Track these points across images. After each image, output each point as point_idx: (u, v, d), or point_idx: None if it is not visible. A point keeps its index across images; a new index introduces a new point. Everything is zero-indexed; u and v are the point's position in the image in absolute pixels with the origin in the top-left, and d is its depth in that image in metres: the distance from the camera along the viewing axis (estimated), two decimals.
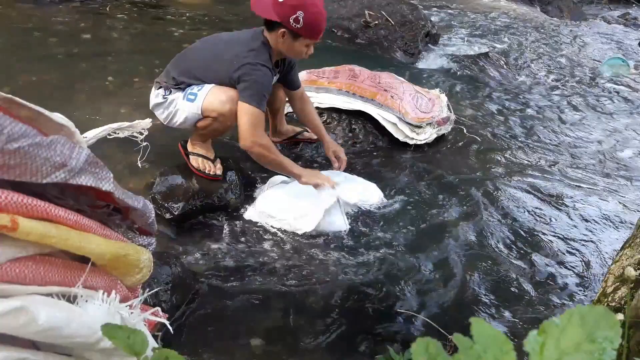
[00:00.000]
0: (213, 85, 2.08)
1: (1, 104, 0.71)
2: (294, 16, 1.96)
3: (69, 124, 0.82)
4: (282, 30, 2.01)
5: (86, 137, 2.08)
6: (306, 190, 2.18)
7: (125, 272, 0.86)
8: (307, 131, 2.71)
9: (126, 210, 0.87)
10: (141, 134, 2.23)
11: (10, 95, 0.75)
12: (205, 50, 2.17)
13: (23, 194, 0.69)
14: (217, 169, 2.25)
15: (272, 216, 2.15)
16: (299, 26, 1.98)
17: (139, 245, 0.91)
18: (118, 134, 2.32)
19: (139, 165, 2.17)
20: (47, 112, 0.78)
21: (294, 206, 2.15)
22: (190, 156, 2.26)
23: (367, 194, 2.36)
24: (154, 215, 0.95)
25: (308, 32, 2.01)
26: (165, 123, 2.20)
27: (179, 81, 2.12)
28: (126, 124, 2.11)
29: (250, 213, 2.19)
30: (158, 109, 2.18)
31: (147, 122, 2.07)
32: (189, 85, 2.11)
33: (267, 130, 2.69)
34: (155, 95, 2.17)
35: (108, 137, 2.32)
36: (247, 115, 2.00)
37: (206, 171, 2.22)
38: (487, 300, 1.90)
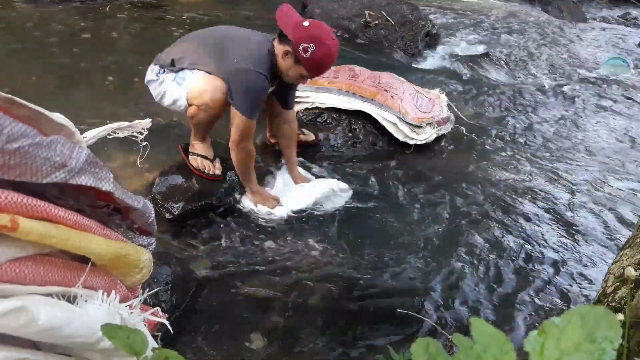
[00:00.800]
0: (203, 73, 2.06)
1: (1, 104, 0.71)
2: (305, 45, 1.95)
3: (69, 124, 0.82)
4: (288, 49, 2.00)
5: (86, 137, 2.08)
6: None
7: (125, 272, 0.86)
8: (304, 133, 2.70)
9: (126, 210, 0.87)
10: (141, 133, 2.21)
11: (10, 95, 0.75)
12: (211, 40, 2.14)
13: (23, 194, 0.69)
14: (217, 169, 2.25)
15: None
16: (305, 56, 1.97)
17: (139, 245, 0.91)
18: (118, 133, 2.32)
19: (139, 165, 2.17)
20: (47, 112, 0.78)
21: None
22: (190, 156, 2.25)
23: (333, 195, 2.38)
24: (153, 215, 0.94)
25: (310, 65, 2.00)
26: (156, 101, 2.20)
27: (175, 63, 2.11)
28: (126, 123, 2.09)
29: (244, 202, 2.25)
30: (151, 84, 2.19)
31: (147, 122, 2.07)
32: (183, 69, 2.10)
33: (265, 133, 2.67)
34: (151, 71, 2.18)
35: (108, 137, 2.31)
36: (239, 124, 2.03)
37: (206, 171, 2.22)
38: (487, 300, 1.90)
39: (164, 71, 2.13)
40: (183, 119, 2.68)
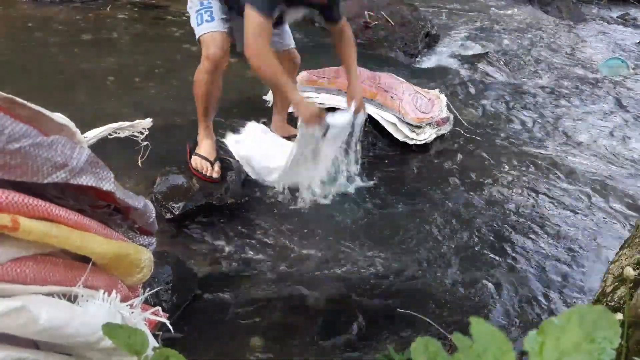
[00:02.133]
0: (217, 26, 2.07)
1: (2, 104, 0.71)
2: None
3: (70, 123, 0.82)
4: None
5: (87, 137, 2.09)
6: (279, 144, 2.29)
7: (126, 271, 0.86)
8: None
9: (127, 210, 0.87)
10: (142, 133, 2.22)
11: (11, 95, 0.75)
12: None
13: (24, 194, 0.69)
14: (215, 172, 2.25)
15: (246, 159, 2.32)
16: None
17: (140, 245, 0.92)
18: (119, 133, 2.32)
19: (140, 165, 2.17)
20: (47, 112, 0.78)
21: (265, 156, 2.29)
22: (192, 156, 2.26)
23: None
24: (154, 215, 0.95)
25: None
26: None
27: None
28: (127, 123, 2.10)
29: (233, 148, 2.32)
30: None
31: (147, 122, 2.08)
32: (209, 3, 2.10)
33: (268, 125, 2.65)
34: None
35: (109, 136, 2.31)
36: (250, 23, 1.94)
37: (203, 172, 2.22)
38: (486, 300, 1.90)
39: None
40: (184, 117, 2.68)
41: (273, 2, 1.98)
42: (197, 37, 2.13)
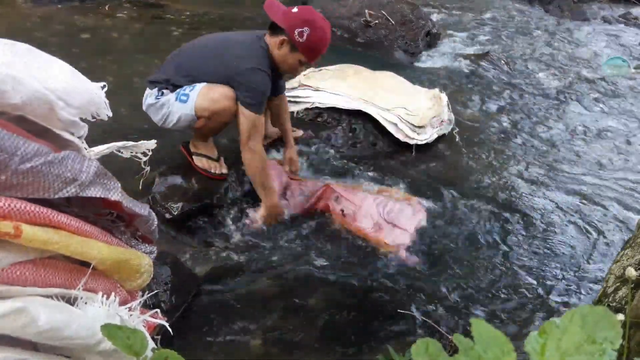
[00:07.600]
0: (204, 84, 2.03)
1: (12, 121, 0.72)
2: (300, 30, 1.96)
3: (76, 140, 0.84)
4: (283, 38, 1.99)
5: (92, 152, 2.08)
6: None
7: (126, 276, 0.86)
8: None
9: (130, 217, 0.88)
10: (145, 154, 2.18)
11: (21, 113, 0.75)
12: (204, 50, 2.13)
13: (27, 202, 0.70)
14: (223, 167, 2.24)
15: None
16: (301, 40, 1.97)
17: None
18: (122, 153, 2.29)
19: (143, 166, 2.16)
20: (55, 129, 0.79)
21: None
22: (194, 157, 2.24)
23: None
24: (156, 222, 0.95)
25: (307, 50, 2.00)
26: (159, 125, 2.14)
27: (172, 81, 2.07)
28: (130, 143, 2.08)
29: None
30: (150, 110, 2.13)
31: (151, 144, 2.05)
32: (181, 86, 2.06)
33: None
34: (149, 96, 2.12)
35: (119, 153, 2.29)
36: (247, 122, 2.00)
37: (212, 171, 2.21)
38: (487, 301, 1.90)
39: (163, 93, 2.08)
40: None
41: (264, 103, 2.04)
42: (193, 111, 2.03)
